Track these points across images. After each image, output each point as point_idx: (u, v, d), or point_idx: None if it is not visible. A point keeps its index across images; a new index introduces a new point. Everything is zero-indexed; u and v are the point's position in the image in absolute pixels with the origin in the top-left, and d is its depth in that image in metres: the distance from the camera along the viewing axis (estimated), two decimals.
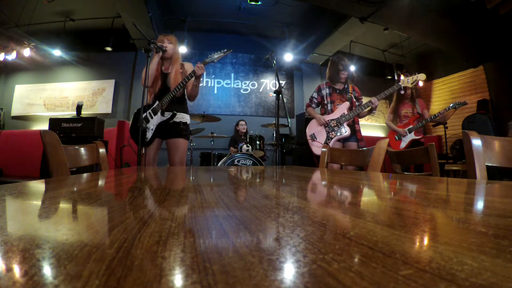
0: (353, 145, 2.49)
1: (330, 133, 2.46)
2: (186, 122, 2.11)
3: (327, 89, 2.57)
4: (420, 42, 5.02)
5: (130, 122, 2.14)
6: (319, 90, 2.62)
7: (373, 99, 2.37)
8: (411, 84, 2.41)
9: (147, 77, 1.91)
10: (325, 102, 2.56)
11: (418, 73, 2.42)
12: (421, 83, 5.66)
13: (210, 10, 4.87)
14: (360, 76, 5.74)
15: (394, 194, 0.49)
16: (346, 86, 2.57)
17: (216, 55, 2.09)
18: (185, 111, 2.14)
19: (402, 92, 3.25)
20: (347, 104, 2.47)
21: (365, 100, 2.51)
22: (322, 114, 2.57)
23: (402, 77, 2.48)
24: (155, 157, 2.08)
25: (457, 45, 4.49)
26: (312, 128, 2.59)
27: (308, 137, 2.58)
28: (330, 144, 2.42)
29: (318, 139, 2.52)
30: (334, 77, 2.57)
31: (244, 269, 0.13)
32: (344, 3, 3.68)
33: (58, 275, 0.13)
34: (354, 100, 2.53)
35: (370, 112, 2.47)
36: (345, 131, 2.42)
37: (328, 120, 2.48)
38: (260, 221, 0.25)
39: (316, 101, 2.63)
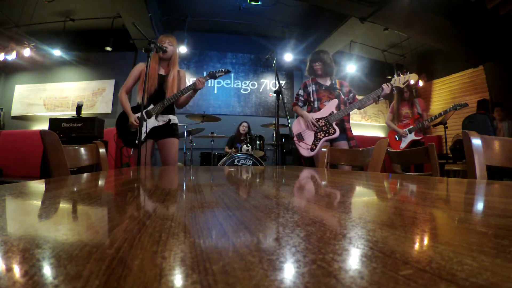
0: (343, 144, 2.32)
1: (319, 134, 2.29)
2: (176, 123, 2.16)
3: (313, 86, 2.39)
4: (420, 42, 5.02)
5: (116, 122, 2.17)
6: (305, 87, 2.44)
7: (384, 86, 2.22)
8: (403, 84, 2.30)
9: (147, 77, 1.92)
10: (312, 99, 2.39)
11: (410, 73, 2.30)
12: (419, 83, 5.68)
13: (210, 10, 4.87)
14: (360, 76, 5.76)
15: (394, 194, 0.49)
16: (333, 82, 2.40)
17: (217, 74, 2.17)
18: (174, 113, 2.18)
19: (395, 92, 3.18)
20: (335, 101, 2.30)
21: (359, 97, 2.44)
22: (309, 112, 2.39)
23: (395, 76, 2.32)
24: (149, 158, 2.10)
25: (457, 45, 4.49)
26: (299, 127, 2.41)
27: (295, 138, 2.42)
28: (318, 145, 2.28)
29: (305, 139, 2.36)
30: (310, 71, 2.44)
31: (244, 269, 0.13)
32: (344, 3, 3.68)
33: (58, 275, 0.13)
34: (343, 97, 2.36)
35: (377, 100, 2.30)
36: (334, 131, 2.26)
37: (315, 119, 2.31)
38: (260, 221, 0.25)
39: (302, 99, 2.45)
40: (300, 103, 2.47)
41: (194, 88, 2.04)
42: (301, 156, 2.44)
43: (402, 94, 3.32)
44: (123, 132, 2.11)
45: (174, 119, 2.13)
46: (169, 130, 2.09)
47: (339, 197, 0.45)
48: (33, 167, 3.67)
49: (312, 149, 2.33)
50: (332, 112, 2.29)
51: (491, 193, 0.47)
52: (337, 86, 2.39)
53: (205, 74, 5.40)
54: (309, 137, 2.34)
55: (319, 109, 2.34)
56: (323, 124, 2.29)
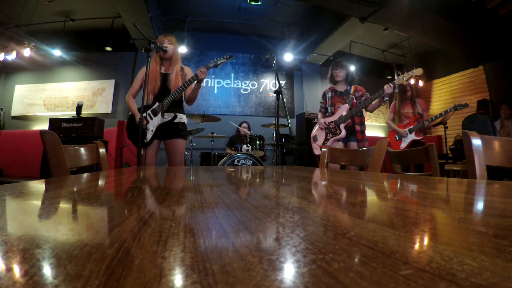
0: (353, 145, 2.54)
1: (328, 135, 2.60)
2: (184, 123, 2.12)
3: (330, 93, 2.69)
4: (420, 42, 5.02)
5: (126, 122, 2.15)
6: (323, 95, 2.75)
7: (386, 86, 2.34)
8: (406, 80, 2.38)
9: (147, 77, 1.92)
10: (327, 105, 2.68)
11: (415, 68, 2.35)
12: (419, 83, 5.67)
13: (210, 10, 4.87)
14: (360, 76, 5.75)
15: (394, 194, 0.49)
16: (348, 88, 2.62)
17: (219, 61, 2.11)
18: (183, 111, 2.15)
19: (397, 90, 3.22)
20: (346, 106, 2.54)
21: None
22: (326, 117, 2.70)
23: (396, 75, 2.45)
24: (155, 158, 2.08)
25: (457, 45, 4.49)
26: (315, 130, 2.78)
27: (311, 139, 2.77)
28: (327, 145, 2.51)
29: (318, 140, 2.68)
30: (331, 78, 2.68)
31: (244, 269, 0.13)
32: (344, 3, 3.68)
33: (58, 275, 0.13)
34: (355, 101, 2.56)
35: (382, 101, 2.43)
36: (340, 132, 2.53)
37: (327, 123, 2.59)
38: (260, 221, 0.25)
39: (323, 106, 2.74)
40: (323, 110, 2.77)
41: (197, 79, 2.00)
42: (315, 156, 2.77)
43: (404, 93, 3.31)
44: (133, 133, 2.09)
45: (181, 117, 2.09)
46: (176, 130, 2.06)
47: (338, 197, 0.45)
48: (33, 167, 3.67)
49: (321, 149, 2.61)
50: (342, 115, 2.54)
51: (491, 193, 0.47)
52: (351, 91, 2.61)
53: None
54: (321, 138, 2.66)
55: (332, 113, 2.62)
56: (333, 126, 2.56)
